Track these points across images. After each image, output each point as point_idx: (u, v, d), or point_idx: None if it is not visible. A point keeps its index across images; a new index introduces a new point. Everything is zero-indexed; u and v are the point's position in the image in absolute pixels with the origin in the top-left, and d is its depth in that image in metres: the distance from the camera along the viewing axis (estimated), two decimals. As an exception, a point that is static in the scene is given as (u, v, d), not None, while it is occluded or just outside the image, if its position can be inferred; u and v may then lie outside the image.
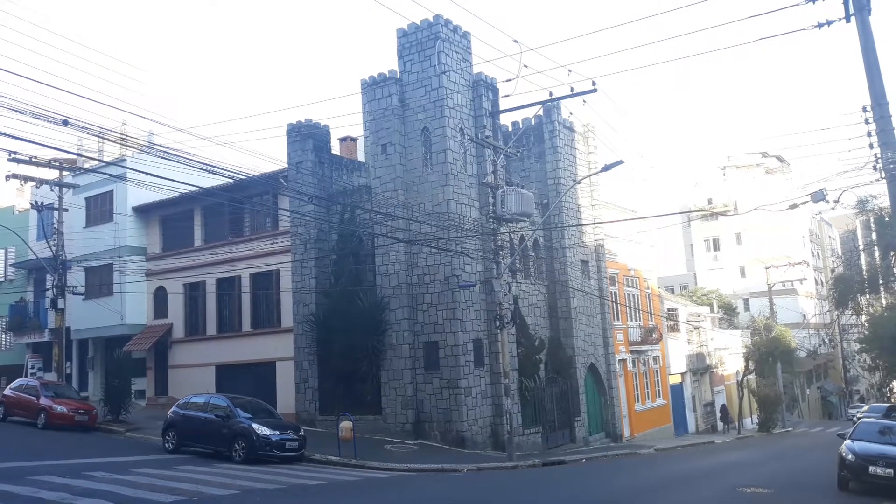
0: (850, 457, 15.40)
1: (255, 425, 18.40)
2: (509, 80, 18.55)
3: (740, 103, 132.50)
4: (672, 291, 61.68)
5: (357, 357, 23.82)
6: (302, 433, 19.32)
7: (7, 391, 25.67)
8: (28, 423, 23.98)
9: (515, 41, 17.00)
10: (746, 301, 62.48)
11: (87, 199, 32.35)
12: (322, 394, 25.32)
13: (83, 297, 30.71)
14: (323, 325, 25.06)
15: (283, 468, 17.26)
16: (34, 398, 24.14)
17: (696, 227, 69.34)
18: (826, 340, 46.82)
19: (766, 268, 48.59)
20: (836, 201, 16.57)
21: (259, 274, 27.97)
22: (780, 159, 69.24)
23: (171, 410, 20.73)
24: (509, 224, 23.42)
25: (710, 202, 66.96)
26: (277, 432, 18.53)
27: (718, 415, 43.15)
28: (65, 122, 11.86)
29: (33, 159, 25.90)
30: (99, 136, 22.01)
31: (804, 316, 57.03)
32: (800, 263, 47.57)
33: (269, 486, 14.21)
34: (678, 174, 69.53)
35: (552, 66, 19.69)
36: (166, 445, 19.96)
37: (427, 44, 24.08)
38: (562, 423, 27.07)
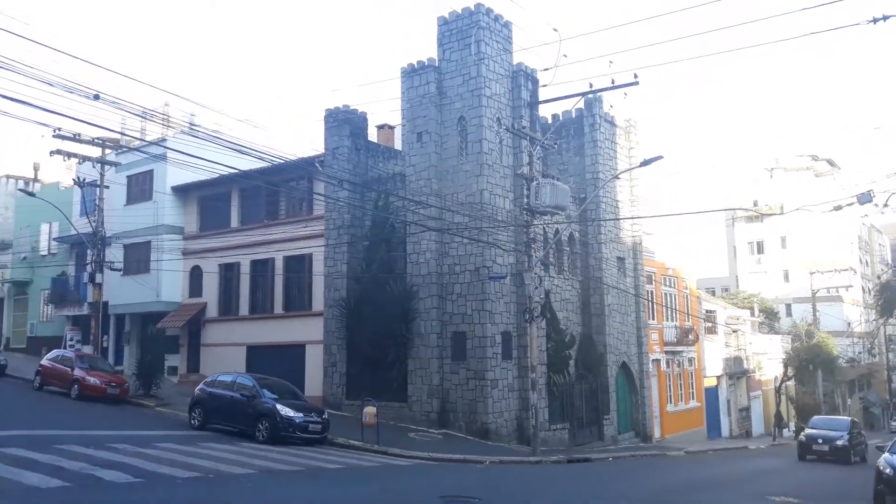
0: (888, 471, 14.73)
1: (279, 406, 18.46)
2: (547, 70, 18.17)
3: (790, 100, 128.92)
4: (713, 293, 60.38)
5: (385, 344, 23.76)
6: (325, 416, 19.34)
7: (44, 361, 26.25)
8: (62, 392, 24.52)
9: (555, 30, 16.64)
10: (789, 306, 60.84)
11: (128, 177, 32.85)
12: (349, 378, 25.35)
13: (121, 272, 31.19)
14: (353, 311, 25.06)
15: (304, 450, 17.29)
16: (69, 369, 24.66)
17: (739, 229, 67.69)
18: (869, 350, 45.29)
19: (811, 273, 47.26)
20: (885, 205, 15.87)
21: (292, 257, 28.08)
22: (831, 163, 67.23)
23: (198, 388, 20.94)
24: (543, 217, 23.05)
25: (755, 203, 65.28)
26: (301, 414, 18.57)
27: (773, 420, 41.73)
28: (96, 97, 11.94)
29: (77, 136, 26.37)
30: (141, 116, 22.39)
31: (849, 324, 55.34)
32: (846, 270, 46.14)
33: (287, 467, 14.22)
34: (724, 174, 67.86)
35: (593, 57, 19.26)
36: (192, 422, 20.18)
37: (467, 32, 23.78)
38: (590, 420, 26.67)
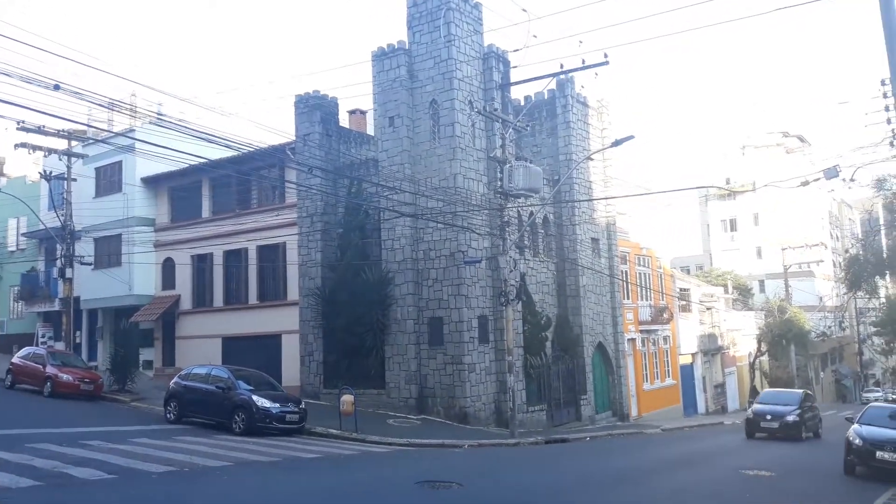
0: (857, 441, 15.06)
1: (255, 397, 18.33)
2: (517, 51, 18.07)
3: (761, 76, 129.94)
4: (688, 272, 61.01)
5: (361, 331, 23.68)
6: (303, 406, 19.26)
7: (15, 359, 25.83)
8: (34, 390, 24.15)
9: (524, 10, 16.51)
10: (762, 282, 61.69)
11: (96, 169, 32.28)
12: (326, 367, 25.24)
13: (92, 267, 30.73)
14: (328, 299, 24.92)
15: (281, 441, 17.20)
16: (41, 367, 24.27)
17: (713, 208, 68.37)
18: (839, 323, 46.07)
19: (783, 249, 47.97)
20: (852, 179, 16.04)
21: (266, 247, 27.82)
22: (801, 139, 67.97)
23: (172, 381, 20.73)
24: (518, 200, 23.05)
25: (727, 181, 65.88)
26: (278, 405, 18.46)
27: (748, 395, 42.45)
28: (56, 87, 11.64)
29: (42, 128, 25.79)
30: (107, 107, 21.91)
31: (821, 298, 56.25)
32: (817, 245, 46.84)
33: (263, 458, 14.12)
34: (696, 152, 68.45)
35: (563, 37, 19.20)
36: (168, 416, 19.98)
37: (437, 14, 23.56)
38: (567, 400, 26.86)
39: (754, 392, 41.52)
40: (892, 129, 12.41)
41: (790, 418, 23.23)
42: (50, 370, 23.90)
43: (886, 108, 12.82)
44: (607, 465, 16.23)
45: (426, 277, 23.29)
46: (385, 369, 23.64)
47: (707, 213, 68.50)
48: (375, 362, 23.78)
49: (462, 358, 22.24)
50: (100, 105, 18.91)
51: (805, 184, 13.94)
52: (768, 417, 23.50)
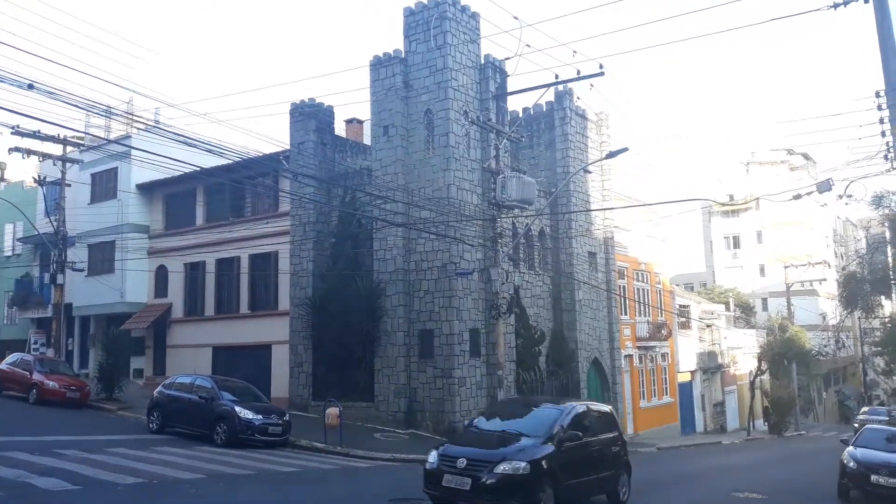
0: (851, 464, 14.61)
1: (237, 408, 17.97)
2: (508, 59, 17.80)
3: (762, 90, 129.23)
4: (692, 289, 60.54)
5: (351, 343, 23.33)
6: (286, 418, 18.87)
7: (2, 365, 25.53)
8: (21, 397, 23.84)
9: (515, 17, 16.26)
10: (765, 300, 61.11)
11: (92, 175, 32.13)
12: (316, 379, 24.87)
13: (85, 273, 30.54)
14: (319, 309, 24.59)
15: (262, 453, 16.82)
16: (27, 373, 23.98)
17: (716, 224, 67.98)
18: (836, 342, 45.39)
19: (785, 267, 47.42)
20: (849, 196, 15.68)
21: (258, 255, 27.55)
22: (806, 157, 67.50)
23: (156, 390, 20.40)
24: (513, 211, 22.73)
25: (731, 198, 65.51)
26: (261, 416, 18.10)
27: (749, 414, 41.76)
28: (30, 87, 11.41)
29: (37, 133, 25.63)
30: (104, 115, 21.77)
31: (824, 317, 55.63)
32: (820, 263, 46.28)
33: (239, 471, 13.76)
34: (698, 168, 68.04)
35: (555, 45, 18.91)
36: (150, 425, 19.62)
37: (433, 23, 23.35)
38: (561, 417, 26.35)
39: (755, 412, 40.74)
40: (888, 143, 12.08)
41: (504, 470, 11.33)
42: (36, 377, 23.59)
43: (881, 121, 12.50)
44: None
45: (417, 289, 22.94)
46: (374, 382, 23.25)
47: (710, 230, 68.10)
48: (365, 374, 23.40)
49: (452, 371, 21.84)
50: (95, 113, 18.84)
51: (797, 197, 13.61)
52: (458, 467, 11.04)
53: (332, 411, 19.04)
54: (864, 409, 40.01)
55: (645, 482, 16.58)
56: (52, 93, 11.62)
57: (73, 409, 23.27)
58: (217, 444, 17.63)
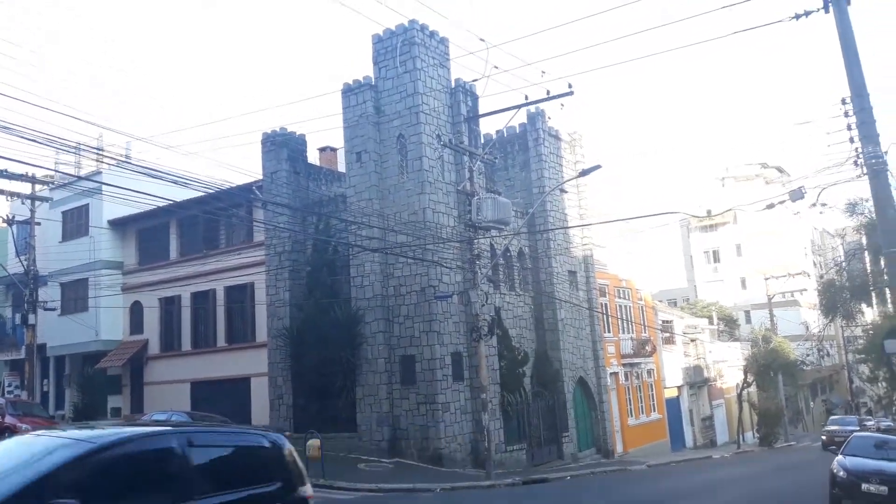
0: (841, 473, 14.41)
1: (215, 444, 17.46)
2: (476, 80, 17.76)
3: (732, 103, 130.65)
4: (675, 304, 60.64)
5: (331, 372, 22.91)
6: (266, 452, 18.36)
7: (-27, 410, 24.79)
8: (-8, 443, 23.12)
9: (482, 39, 16.25)
10: (748, 313, 61.32)
11: (63, 212, 31.66)
12: (296, 410, 24.37)
13: (58, 312, 29.89)
14: (297, 340, 24.17)
15: (241, 490, 16.29)
16: (0, 417, 23.31)
17: (695, 240, 68.42)
18: (819, 351, 45.47)
19: (766, 279, 47.60)
20: (823, 204, 15.69)
21: (234, 287, 27.15)
22: (780, 170, 68.34)
23: (131, 429, 19.82)
24: (490, 233, 22.61)
25: (708, 213, 66.00)
26: (239, 451, 17.58)
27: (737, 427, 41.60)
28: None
29: (4, 172, 25.19)
30: (62, 149, 21.41)
31: (807, 327, 55.83)
32: (799, 274, 46.54)
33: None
34: (673, 184, 68.62)
35: (523, 65, 18.94)
36: (126, 466, 19.00)
37: (402, 49, 23.34)
38: (548, 438, 26.04)
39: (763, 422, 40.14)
40: (856, 149, 12.08)
41: None
42: (9, 420, 22.85)
43: (849, 127, 12.52)
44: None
45: (397, 314, 22.63)
46: (356, 411, 22.78)
47: (689, 245, 68.49)
48: (346, 404, 22.95)
49: (435, 397, 21.47)
50: (43, 144, 18.50)
51: (771, 206, 13.58)
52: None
53: (314, 443, 18.57)
54: (833, 417, 40.14)
55: (633, 500, 16.32)
56: (6, 127, 11.32)
57: (47, 452, 22.57)
58: (195, 482, 17.11)
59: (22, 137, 12.49)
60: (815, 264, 68.20)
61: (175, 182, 17.16)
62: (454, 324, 22.64)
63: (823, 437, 33.53)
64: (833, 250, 76.01)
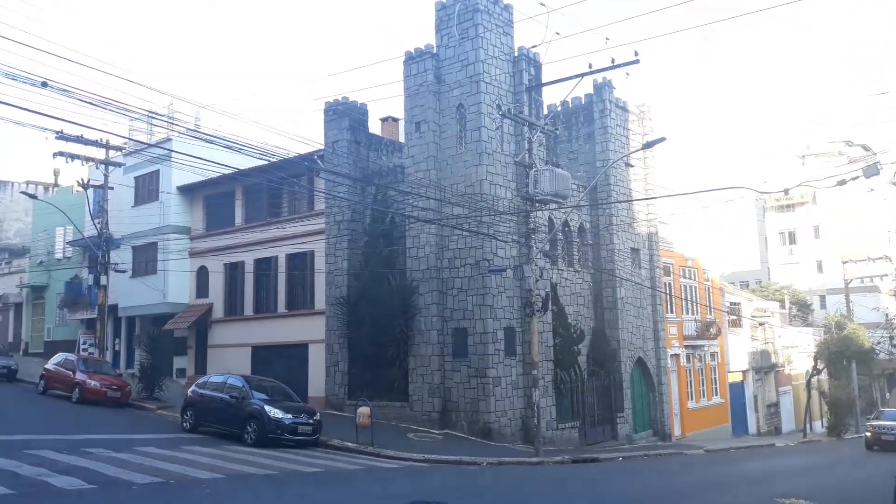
0: (908, 470, 13.59)
1: (267, 408, 17.88)
2: (535, 47, 17.22)
3: (808, 72, 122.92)
4: (746, 286, 58.62)
5: (385, 341, 23.05)
6: (317, 418, 18.69)
7: (48, 365, 26.10)
8: (65, 396, 24.32)
9: (542, 3, 15.70)
10: (823, 298, 58.75)
11: (136, 178, 32.67)
12: (351, 378, 24.70)
13: (129, 275, 31.05)
14: (353, 308, 24.40)
15: (290, 453, 16.66)
16: (71, 373, 24.45)
17: (770, 220, 65.73)
18: (891, 339, 42.98)
19: (843, 262, 45.44)
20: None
21: (294, 255, 27.53)
22: (866, 148, 64.70)
23: (190, 389, 20.51)
24: (549, 206, 22.11)
25: (786, 192, 63.16)
26: (290, 416, 17.96)
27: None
28: (44, 84, 11.41)
29: (80, 138, 26.07)
30: (145, 119, 22.03)
31: (887, 315, 53.12)
32: (880, 258, 44.13)
33: (261, 471, 13.56)
34: (749, 161, 65.88)
35: (585, 30, 18.28)
36: (184, 425, 19.72)
37: (465, 16, 22.93)
38: (603, 418, 25.62)
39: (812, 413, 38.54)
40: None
41: None
42: (79, 377, 24.02)
43: (934, 98, 11.53)
44: (629, 489, 15.09)
45: (451, 287, 22.52)
46: (408, 381, 22.90)
47: (765, 225, 65.91)
48: (399, 374, 23.09)
49: (487, 371, 21.34)
50: (135, 118, 19.02)
51: (843, 182, 12.70)
52: None
53: (364, 411, 18.80)
54: (885, 410, 32.78)
55: (686, 485, 15.88)
56: (65, 90, 11.61)
57: (115, 408, 23.59)
58: (247, 443, 17.58)
59: (92, 104, 12.79)
60: (900, 249, 64.64)
61: (241, 150, 17.53)
62: (508, 298, 22.38)
63: (867, 434, 28.41)
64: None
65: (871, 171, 11.71)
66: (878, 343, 40.77)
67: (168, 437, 17.96)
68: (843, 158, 63.55)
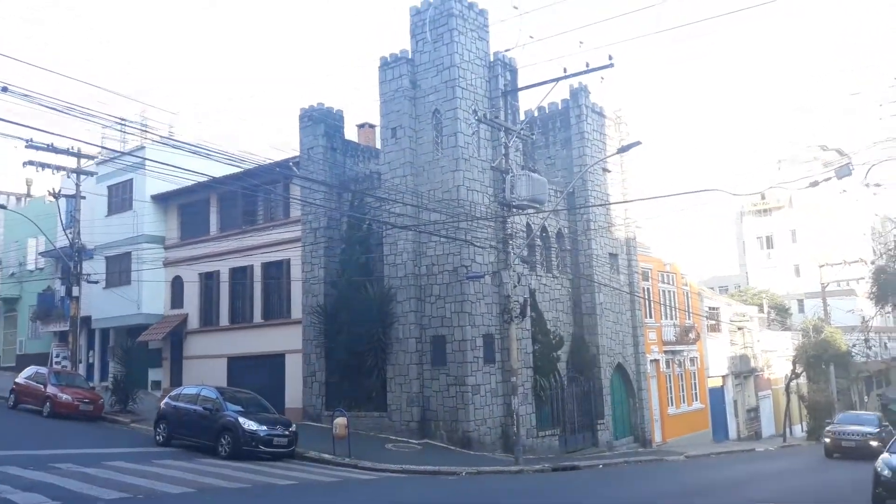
0: (885, 472, 13.58)
1: (242, 419, 17.54)
2: (508, 51, 17.13)
3: (784, 75, 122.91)
4: (725, 291, 58.94)
5: (363, 350, 22.75)
6: (293, 429, 18.36)
7: (18, 379, 25.57)
8: (35, 410, 23.79)
9: (515, 7, 15.61)
10: (801, 302, 59.16)
11: (109, 187, 32.14)
12: (329, 388, 24.35)
13: (103, 286, 30.50)
14: (330, 317, 24.09)
15: (265, 465, 16.31)
16: (42, 386, 23.93)
17: (748, 224, 66.27)
18: (866, 342, 43.18)
19: (820, 266, 45.81)
20: (876, 185, 14.68)
21: (270, 263, 27.18)
22: (840, 152, 65.45)
23: (163, 401, 20.09)
24: (526, 212, 22.00)
25: (762, 197, 63.70)
26: (265, 427, 17.63)
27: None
28: (3, 90, 11.09)
29: (51, 146, 25.61)
30: (117, 127, 21.65)
31: (863, 318, 53.58)
32: (856, 262, 44.50)
33: (233, 484, 13.24)
34: (726, 167, 66.43)
35: (559, 33, 18.21)
36: (157, 438, 19.30)
37: (439, 21, 22.81)
38: (583, 425, 25.48)
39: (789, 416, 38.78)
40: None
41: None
42: (50, 390, 23.52)
43: (904, 99, 11.56)
44: (607, 495, 14.96)
45: (429, 294, 22.30)
46: (387, 390, 22.62)
47: (742, 230, 66.41)
48: (377, 383, 22.79)
49: (466, 379, 21.12)
50: (106, 125, 18.70)
51: (815, 184, 12.71)
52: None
53: (340, 422, 18.52)
54: (844, 414, 30.10)
55: (663, 492, 15.74)
56: (25, 95, 11.29)
57: (87, 421, 23.13)
58: (221, 456, 17.22)
59: (55, 109, 12.48)
60: (874, 252, 65.38)
61: (211, 157, 17.30)
62: (486, 305, 22.21)
63: (826, 441, 26.28)
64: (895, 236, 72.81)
65: (843, 171, 11.71)
66: (855, 346, 41.03)
67: (140, 451, 17.54)
68: (818, 163, 64.32)
